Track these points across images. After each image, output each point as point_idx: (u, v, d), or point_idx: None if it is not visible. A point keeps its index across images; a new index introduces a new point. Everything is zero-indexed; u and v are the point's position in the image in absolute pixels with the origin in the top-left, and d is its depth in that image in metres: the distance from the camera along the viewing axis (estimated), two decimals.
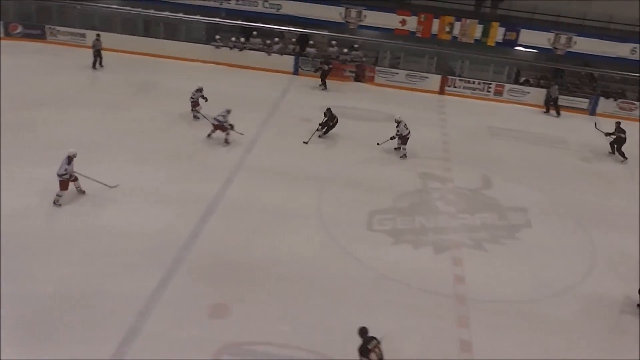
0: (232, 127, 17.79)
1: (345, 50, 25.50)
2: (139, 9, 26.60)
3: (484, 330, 11.44)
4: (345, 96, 23.60)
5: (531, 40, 25.10)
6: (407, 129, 18.06)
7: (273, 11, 26.37)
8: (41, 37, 26.51)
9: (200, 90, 19.52)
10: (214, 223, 14.15)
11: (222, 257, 12.86)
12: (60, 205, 14.09)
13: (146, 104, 20.82)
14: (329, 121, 19.13)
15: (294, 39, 25.87)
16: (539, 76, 26.22)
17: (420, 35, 25.83)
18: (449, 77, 25.25)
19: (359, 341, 9.29)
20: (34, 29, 26.52)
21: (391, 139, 18.24)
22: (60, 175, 13.95)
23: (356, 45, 25.73)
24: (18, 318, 10.55)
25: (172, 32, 26.57)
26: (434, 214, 15.47)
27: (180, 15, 26.32)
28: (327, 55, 25.34)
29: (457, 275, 13.04)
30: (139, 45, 25.99)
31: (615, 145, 19.95)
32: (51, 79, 22.56)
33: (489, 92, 24.95)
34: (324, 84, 24.00)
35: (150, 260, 12.54)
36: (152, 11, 26.42)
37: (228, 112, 17.81)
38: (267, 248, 13.29)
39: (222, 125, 17.69)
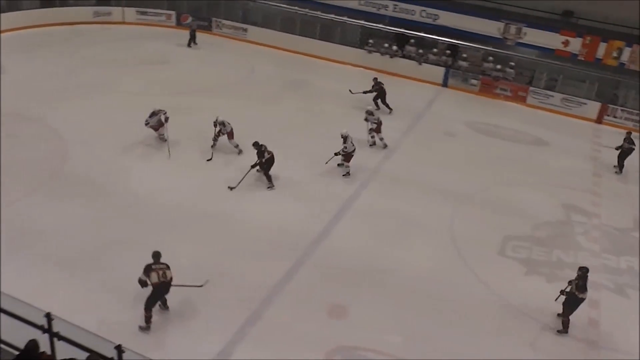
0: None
1: (499, 66, 24.64)
2: (296, 8, 27.56)
3: None
4: (494, 114, 22.84)
5: None
6: (353, 145, 16.26)
7: (430, 21, 26.17)
8: (208, 28, 28.46)
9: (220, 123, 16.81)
10: (345, 224, 14.35)
11: (347, 259, 13.00)
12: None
13: (295, 100, 21.57)
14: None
15: (447, 51, 25.47)
16: None
17: (582, 59, 24.30)
18: (610, 105, 23.46)
19: None
20: (203, 20, 28.52)
21: (335, 154, 16.30)
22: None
23: (512, 63, 24.76)
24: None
25: (327, 33, 27.28)
26: (574, 250, 14.46)
27: (332, 16, 26.91)
28: (481, 70, 24.71)
29: (592, 318, 12.09)
30: (295, 44, 27.02)
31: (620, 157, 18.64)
32: (213, 69, 24.20)
33: None
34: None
35: (280, 251, 13.01)
36: (307, 10, 27.25)
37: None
38: (393, 256, 13.23)
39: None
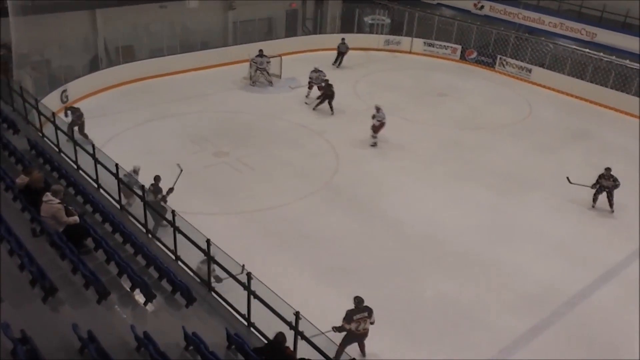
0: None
1: None
2: (587, 50, 25.52)
3: None
4: None
5: None
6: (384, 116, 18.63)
7: None
8: (491, 65, 28.13)
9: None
10: (609, 292, 12.91)
11: (602, 336, 11.60)
12: None
13: (576, 152, 19.98)
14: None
15: None
16: None
17: None
18: None
19: None
20: (487, 56, 28.29)
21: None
22: None
23: None
24: (400, 312, 11.58)
25: (621, 82, 24.78)
26: None
27: (627, 62, 24.22)
28: None
29: None
30: (582, 90, 25.11)
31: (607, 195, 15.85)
32: (493, 106, 23.83)
33: None
34: None
35: (528, 305, 12.26)
36: (601, 55, 25.04)
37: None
38: None
39: None
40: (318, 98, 21.30)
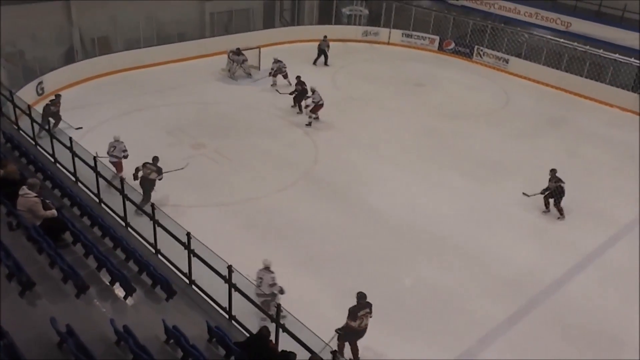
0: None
1: None
2: (562, 41, 25.79)
3: None
4: None
5: None
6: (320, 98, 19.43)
7: None
8: (468, 56, 28.31)
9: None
10: (584, 278, 13.14)
11: (589, 321, 11.84)
12: None
13: (551, 139, 20.24)
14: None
15: None
16: None
17: None
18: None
19: None
20: (465, 47, 28.46)
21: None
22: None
23: None
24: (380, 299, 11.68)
25: (596, 71, 25.13)
26: None
27: (601, 52, 24.51)
28: None
29: None
30: (558, 79, 25.45)
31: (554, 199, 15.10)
32: (470, 96, 24.01)
33: None
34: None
35: (507, 292, 12.43)
36: (575, 44, 25.23)
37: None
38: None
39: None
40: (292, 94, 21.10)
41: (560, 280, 12.98)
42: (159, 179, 13.90)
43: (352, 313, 9.72)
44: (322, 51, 25.85)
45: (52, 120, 16.84)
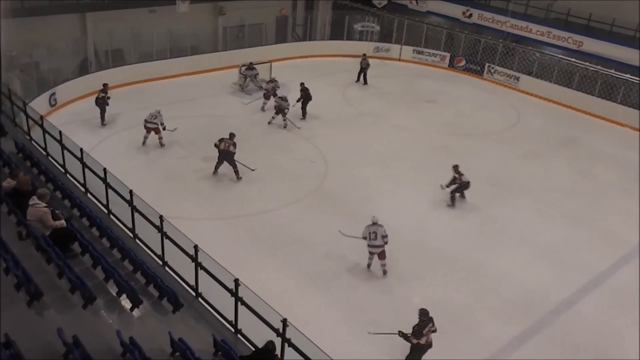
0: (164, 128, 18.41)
1: None
2: (574, 60, 25.73)
3: None
4: None
5: None
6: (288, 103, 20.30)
7: None
8: (479, 73, 28.33)
9: None
10: (594, 299, 13.02)
11: (598, 342, 11.71)
12: None
13: (561, 159, 20.10)
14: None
15: None
16: None
17: None
18: None
19: None
20: (476, 64, 28.50)
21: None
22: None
23: None
24: (387, 317, 11.62)
25: (607, 91, 25.05)
26: None
27: (613, 72, 24.44)
28: None
29: None
30: (569, 98, 25.37)
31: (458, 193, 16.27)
32: (481, 113, 23.98)
33: None
34: None
35: (516, 312, 12.34)
36: (587, 64, 25.17)
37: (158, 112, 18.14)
38: None
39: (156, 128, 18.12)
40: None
41: (570, 300, 12.87)
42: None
43: (417, 333, 9.79)
44: (363, 69, 25.84)
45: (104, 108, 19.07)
